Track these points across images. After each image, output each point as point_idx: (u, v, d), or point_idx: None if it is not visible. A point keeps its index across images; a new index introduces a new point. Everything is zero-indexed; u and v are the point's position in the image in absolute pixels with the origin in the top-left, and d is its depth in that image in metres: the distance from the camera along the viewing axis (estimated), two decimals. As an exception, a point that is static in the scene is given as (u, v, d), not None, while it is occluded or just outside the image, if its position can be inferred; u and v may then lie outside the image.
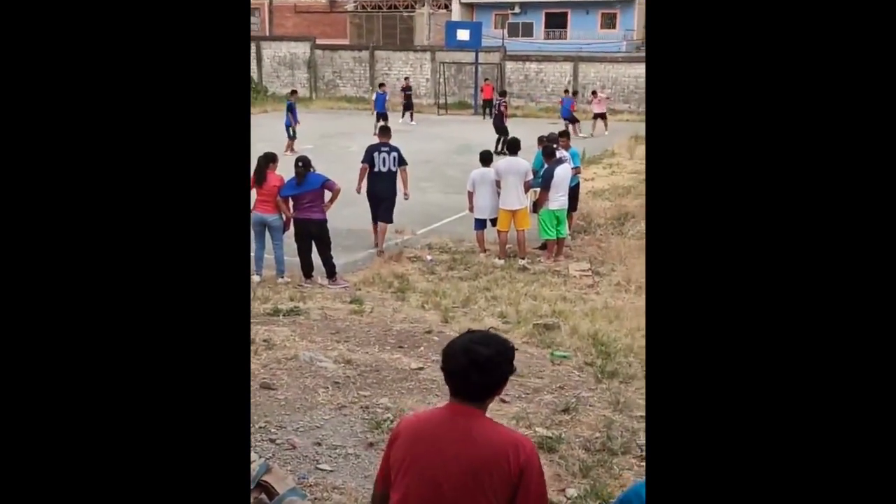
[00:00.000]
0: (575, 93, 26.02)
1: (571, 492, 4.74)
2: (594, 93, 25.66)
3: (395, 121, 23.23)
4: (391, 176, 10.45)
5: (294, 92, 22.46)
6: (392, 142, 10.77)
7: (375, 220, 10.59)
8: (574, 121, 23.50)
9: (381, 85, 26.30)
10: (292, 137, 19.43)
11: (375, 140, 10.92)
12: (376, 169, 10.39)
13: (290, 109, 19.84)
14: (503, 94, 23.71)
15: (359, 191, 10.53)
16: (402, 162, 10.53)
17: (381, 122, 21.76)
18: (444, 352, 2.52)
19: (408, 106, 26.33)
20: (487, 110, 26.63)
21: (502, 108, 21.47)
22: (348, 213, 11.66)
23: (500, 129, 19.93)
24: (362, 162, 10.52)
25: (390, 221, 10.65)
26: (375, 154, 10.42)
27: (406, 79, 29.20)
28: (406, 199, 10.74)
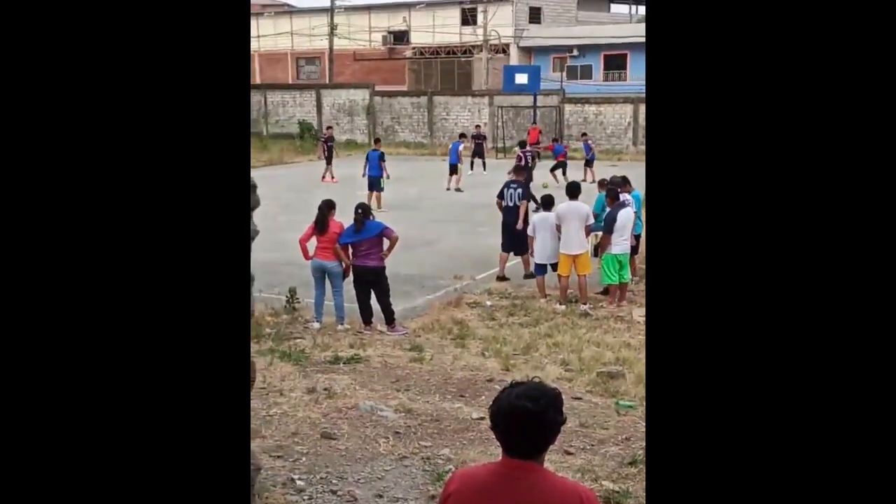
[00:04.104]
0: (584, 134, 24.78)
1: (640, 550, 4.56)
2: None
3: (464, 171, 21.38)
4: (517, 210, 11.69)
5: (378, 140, 20.96)
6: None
7: (503, 248, 11.78)
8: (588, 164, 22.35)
9: (462, 136, 24.00)
10: (380, 189, 17.97)
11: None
12: (505, 204, 11.84)
13: (376, 159, 18.14)
14: (522, 144, 21.20)
15: (518, 226, 11.56)
16: (523, 196, 11.80)
17: (454, 175, 20.86)
18: (491, 410, 2.46)
19: (478, 153, 24.89)
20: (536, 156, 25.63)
21: (530, 163, 18.77)
22: (406, 258, 11.69)
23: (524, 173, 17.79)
24: (497, 197, 12.12)
25: (520, 252, 11.58)
26: (505, 190, 12.01)
27: (478, 126, 28.12)
28: (519, 228, 11.48)
